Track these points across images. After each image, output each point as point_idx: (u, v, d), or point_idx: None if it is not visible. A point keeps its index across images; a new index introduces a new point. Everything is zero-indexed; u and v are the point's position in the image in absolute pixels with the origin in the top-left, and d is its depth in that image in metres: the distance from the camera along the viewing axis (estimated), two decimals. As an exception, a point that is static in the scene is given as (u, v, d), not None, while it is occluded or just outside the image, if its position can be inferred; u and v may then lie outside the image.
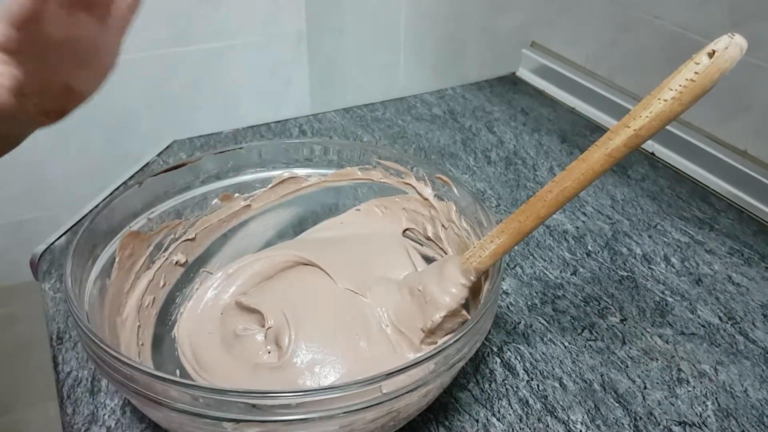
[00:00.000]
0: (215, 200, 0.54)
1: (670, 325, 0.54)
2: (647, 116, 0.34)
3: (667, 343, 0.52)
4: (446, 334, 0.45)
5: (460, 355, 0.38)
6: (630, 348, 0.52)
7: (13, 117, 0.36)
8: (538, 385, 0.48)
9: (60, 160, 1.27)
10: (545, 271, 0.60)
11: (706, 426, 0.46)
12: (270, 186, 0.56)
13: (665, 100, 0.34)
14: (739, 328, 0.54)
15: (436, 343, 0.44)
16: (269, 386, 0.42)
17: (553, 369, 0.50)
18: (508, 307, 0.55)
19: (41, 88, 0.37)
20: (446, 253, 0.53)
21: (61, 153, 1.26)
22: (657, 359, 0.51)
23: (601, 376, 0.49)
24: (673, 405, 0.47)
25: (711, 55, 0.32)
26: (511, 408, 0.47)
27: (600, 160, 0.37)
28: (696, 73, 0.33)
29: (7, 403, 1.26)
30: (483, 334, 0.40)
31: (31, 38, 0.34)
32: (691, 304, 0.56)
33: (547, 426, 0.45)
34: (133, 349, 0.45)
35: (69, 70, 0.38)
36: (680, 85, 0.33)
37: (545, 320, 0.54)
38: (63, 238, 0.60)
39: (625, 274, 0.60)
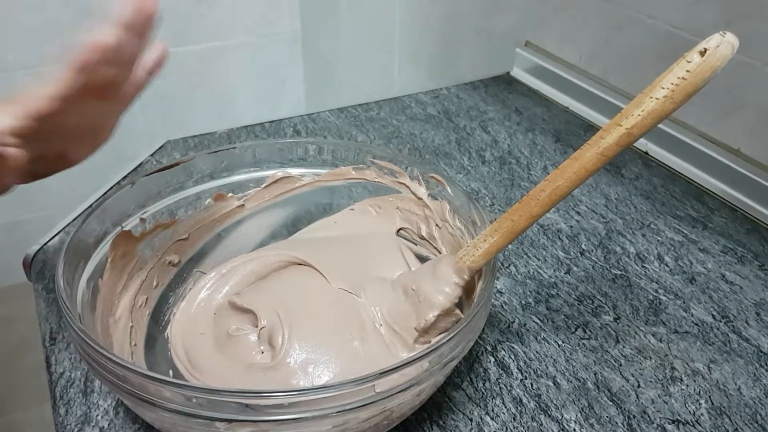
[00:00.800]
0: (209, 200, 0.54)
1: (663, 323, 0.54)
2: (639, 115, 0.34)
3: (661, 341, 0.52)
4: (440, 333, 0.44)
5: (453, 354, 0.38)
6: (623, 346, 0.52)
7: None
8: (531, 384, 0.48)
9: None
10: (539, 270, 0.60)
11: (700, 424, 0.46)
12: (264, 186, 0.55)
13: (657, 99, 0.34)
14: (733, 326, 0.54)
15: (430, 342, 0.44)
16: (262, 386, 0.42)
17: (547, 368, 0.50)
18: (502, 306, 0.55)
19: (38, 158, 0.39)
20: (440, 253, 0.52)
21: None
22: (650, 358, 0.51)
23: (595, 374, 0.49)
24: (666, 403, 0.47)
25: (702, 53, 0.32)
26: (505, 407, 0.47)
27: (592, 158, 0.37)
28: (688, 71, 0.33)
29: (3, 405, 1.25)
30: (476, 332, 0.40)
31: (45, 127, 0.37)
32: (684, 302, 0.56)
33: (541, 425, 0.45)
34: (125, 350, 0.44)
35: (68, 144, 0.41)
36: (672, 84, 0.33)
37: (539, 319, 0.54)
38: (56, 238, 0.60)
39: (619, 272, 0.60)
